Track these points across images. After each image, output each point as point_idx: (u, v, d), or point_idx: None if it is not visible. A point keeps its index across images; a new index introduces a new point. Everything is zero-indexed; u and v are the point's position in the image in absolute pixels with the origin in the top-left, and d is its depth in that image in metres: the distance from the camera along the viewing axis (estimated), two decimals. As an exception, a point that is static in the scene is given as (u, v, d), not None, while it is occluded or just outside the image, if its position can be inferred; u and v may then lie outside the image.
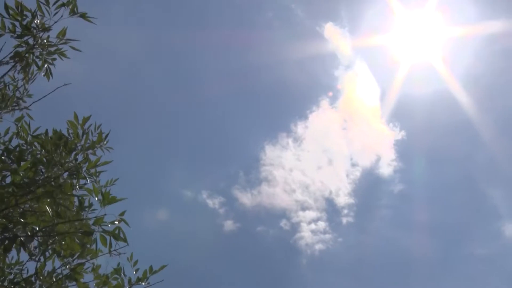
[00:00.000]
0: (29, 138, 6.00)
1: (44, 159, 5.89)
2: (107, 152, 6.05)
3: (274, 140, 27.84)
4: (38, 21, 6.05)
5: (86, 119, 6.06)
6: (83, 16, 6.05)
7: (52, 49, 6.27)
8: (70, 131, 6.08)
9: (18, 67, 6.20)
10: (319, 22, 26.45)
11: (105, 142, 6.11)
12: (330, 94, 26.66)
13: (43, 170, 5.82)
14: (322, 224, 26.14)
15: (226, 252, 25.87)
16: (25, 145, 5.97)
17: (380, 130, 27.36)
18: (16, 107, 6.28)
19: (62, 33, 6.11)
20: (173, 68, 25.84)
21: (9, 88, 6.29)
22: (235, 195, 25.94)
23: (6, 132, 6.04)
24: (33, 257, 5.69)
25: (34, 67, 6.26)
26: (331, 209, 26.90)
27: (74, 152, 5.96)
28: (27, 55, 6.16)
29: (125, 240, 5.67)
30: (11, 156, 5.82)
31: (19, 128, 6.07)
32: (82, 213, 5.80)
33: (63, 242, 5.75)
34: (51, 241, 5.76)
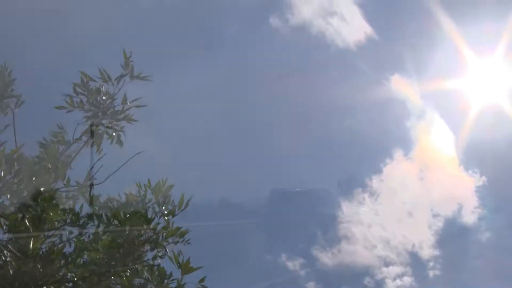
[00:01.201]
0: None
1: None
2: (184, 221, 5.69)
3: (350, 196, 26.73)
4: (103, 95, 6.03)
5: (170, 187, 5.78)
6: (141, 77, 5.96)
7: (120, 116, 6.18)
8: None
9: (90, 142, 6.18)
10: (385, 75, 25.58)
11: (185, 207, 5.74)
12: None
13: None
14: (408, 280, 24.22)
15: (312, 316, 24.34)
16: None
17: (459, 177, 25.28)
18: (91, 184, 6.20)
19: (124, 100, 6.03)
20: (245, 127, 25.87)
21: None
22: (315, 255, 24.89)
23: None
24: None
25: (105, 137, 6.21)
26: (415, 262, 24.84)
27: (153, 223, 5.66)
28: (96, 127, 6.13)
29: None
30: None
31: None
32: (164, 283, 5.44)
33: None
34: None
